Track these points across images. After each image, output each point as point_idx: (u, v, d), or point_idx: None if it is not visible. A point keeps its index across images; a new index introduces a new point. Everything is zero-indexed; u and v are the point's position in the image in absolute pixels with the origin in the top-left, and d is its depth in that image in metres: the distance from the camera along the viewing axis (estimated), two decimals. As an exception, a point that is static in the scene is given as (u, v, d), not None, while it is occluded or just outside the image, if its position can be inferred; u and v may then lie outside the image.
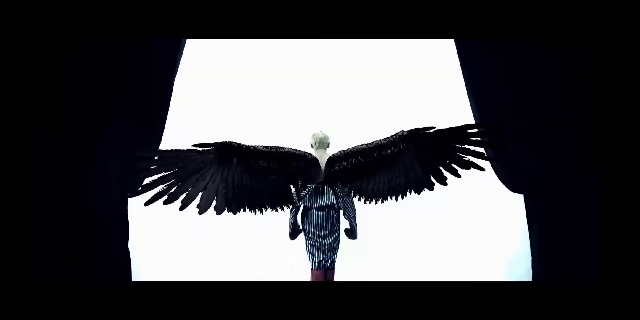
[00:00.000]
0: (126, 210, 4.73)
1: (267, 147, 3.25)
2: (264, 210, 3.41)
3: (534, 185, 4.73)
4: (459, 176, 3.42)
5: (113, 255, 4.66)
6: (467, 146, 3.42)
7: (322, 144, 3.43)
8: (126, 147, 4.65)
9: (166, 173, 3.26)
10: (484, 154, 3.53)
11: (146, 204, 3.32)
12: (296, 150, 3.29)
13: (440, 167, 3.40)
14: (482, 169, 3.60)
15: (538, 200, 4.71)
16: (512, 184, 4.71)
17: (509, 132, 4.71)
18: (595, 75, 4.51)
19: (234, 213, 3.28)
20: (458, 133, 3.36)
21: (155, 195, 3.26)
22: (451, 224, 4.82)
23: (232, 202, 3.31)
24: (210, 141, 3.16)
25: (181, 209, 3.23)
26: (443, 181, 3.38)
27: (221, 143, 3.23)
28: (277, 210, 3.44)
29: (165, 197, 3.25)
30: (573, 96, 4.59)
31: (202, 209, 3.27)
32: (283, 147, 3.28)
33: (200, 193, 3.28)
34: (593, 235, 4.41)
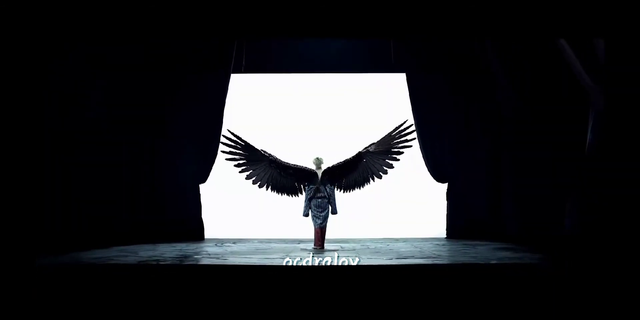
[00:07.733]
0: (199, 193, 7.63)
1: (291, 163, 6.21)
2: (282, 194, 6.40)
3: (450, 176, 7.64)
4: (402, 152, 6.14)
5: (189, 224, 7.57)
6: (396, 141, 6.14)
7: (319, 164, 6.21)
8: (192, 151, 7.55)
9: (242, 153, 6.30)
10: (407, 140, 6.16)
11: (237, 168, 6.33)
12: (305, 167, 6.16)
13: (384, 161, 6.08)
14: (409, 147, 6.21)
15: (453, 186, 7.65)
16: (437, 177, 7.69)
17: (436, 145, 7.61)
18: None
19: (267, 190, 6.35)
20: (389, 138, 6.17)
21: (238, 164, 6.29)
22: (397, 201, 7.63)
23: (268, 186, 6.36)
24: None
25: (247, 178, 6.32)
26: (385, 172, 6.10)
27: (271, 155, 6.22)
28: (289, 196, 6.42)
29: (240, 169, 6.30)
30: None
31: (254, 182, 6.32)
32: (298, 165, 6.22)
33: (255, 176, 6.31)
34: (488, 210, 7.40)
